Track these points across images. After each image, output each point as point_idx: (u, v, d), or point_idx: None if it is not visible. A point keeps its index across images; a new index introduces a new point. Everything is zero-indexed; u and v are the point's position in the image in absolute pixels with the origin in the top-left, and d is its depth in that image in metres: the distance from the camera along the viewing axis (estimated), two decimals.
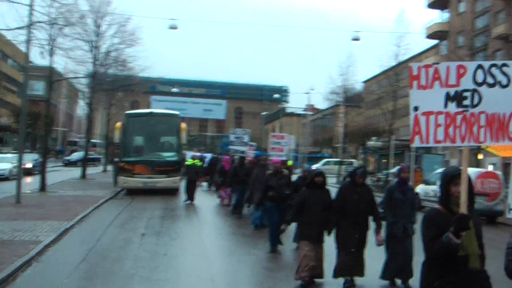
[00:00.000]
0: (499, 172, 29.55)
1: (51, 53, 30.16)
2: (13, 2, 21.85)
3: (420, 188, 30.87)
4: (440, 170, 29.94)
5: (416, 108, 5.96)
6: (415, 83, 6.02)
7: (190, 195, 27.28)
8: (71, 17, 29.73)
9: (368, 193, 11.13)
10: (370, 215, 11.07)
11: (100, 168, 57.25)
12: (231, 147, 32.31)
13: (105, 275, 11.75)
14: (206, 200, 29.00)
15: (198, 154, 37.32)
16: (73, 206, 22.60)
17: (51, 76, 30.96)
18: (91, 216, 21.07)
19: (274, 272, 12.72)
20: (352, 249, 10.71)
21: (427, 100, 5.93)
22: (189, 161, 29.26)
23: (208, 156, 39.63)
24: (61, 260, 13.05)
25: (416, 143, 5.89)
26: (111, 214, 21.72)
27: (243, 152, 30.27)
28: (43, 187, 29.36)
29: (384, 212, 11.65)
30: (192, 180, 27.68)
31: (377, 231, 11.09)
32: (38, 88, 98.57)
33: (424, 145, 5.85)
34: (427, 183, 30.70)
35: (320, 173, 11.41)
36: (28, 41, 24.52)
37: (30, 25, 23.98)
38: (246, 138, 32.30)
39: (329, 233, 11.04)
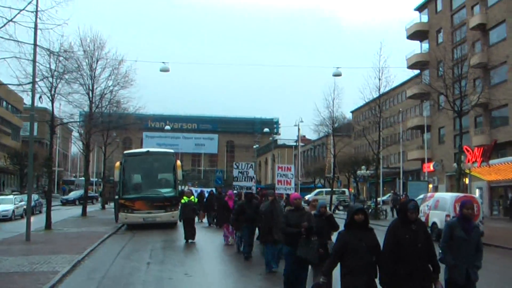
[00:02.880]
0: (476, 196, 31.48)
1: (52, 99, 31.87)
2: (18, 58, 23.74)
3: None
4: (422, 196, 31.96)
5: None
6: None
7: (190, 234, 25.91)
8: (69, 64, 31.48)
9: (425, 231, 9.09)
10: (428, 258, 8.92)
11: (98, 206, 58.97)
12: (235, 183, 29.82)
13: None
14: (208, 238, 28.59)
15: (197, 189, 37.05)
16: (80, 241, 24.41)
17: (52, 121, 32.70)
18: (98, 249, 22.87)
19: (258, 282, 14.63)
20: None
21: None
22: (184, 199, 27.04)
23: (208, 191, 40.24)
24: (80, 287, 14.85)
25: None
26: (116, 247, 23.56)
27: (249, 187, 28.70)
28: (48, 225, 30.97)
29: (442, 253, 9.88)
30: (189, 219, 26.35)
31: (436, 277, 8.97)
32: None
33: None
34: None
35: (361, 210, 9.16)
36: (33, 94, 26.48)
37: (34, 81, 25.88)
38: (251, 172, 30.01)
39: (384, 287, 8.96)
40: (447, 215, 27.32)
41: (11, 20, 18.96)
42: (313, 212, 13.67)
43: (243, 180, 29.63)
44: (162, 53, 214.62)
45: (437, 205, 28.55)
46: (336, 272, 9.05)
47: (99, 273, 16.81)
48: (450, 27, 64.85)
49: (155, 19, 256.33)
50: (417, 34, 73.99)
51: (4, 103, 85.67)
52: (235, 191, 27.68)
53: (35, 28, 23.83)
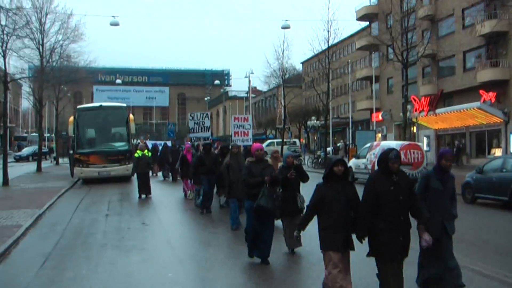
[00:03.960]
0: (420, 143, 32.80)
1: (4, 55, 31.99)
2: None
3: (352, 162, 34.00)
4: (368, 144, 33.17)
5: None
6: None
7: (145, 189, 25.49)
8: (19, 18, 31.59)
9: (407, 181, 8.44)
10: (411, 209, 8.41)
11: (50, 162, 59.25)
12: (191, 135, 28.80)
13: (82, 245, 14.41)
14: (164, 192, 28.84)
15: (151, 142, 36.48)
16: (39, 197, 24.96)
17: (5, 77, 32.82)
18: (57, 204, 23.54)
19: (218, 235, 15.69)
20: (397, 257, 8.21)
21: None
22: (138, 152, 26.22)
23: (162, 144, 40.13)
24: (43, 238, 15.65)
25: None
26: (74, 201, 24.25)
27: (207, 138, 27.49)
28: (6, 181, 31.37)
29: None
30: (145, 173, 25.88)
31: (422, 227, 8.75)
32: None
33: None
34: (357, 157, 33.70)
35: (340, 161, 8.66)
36: None
37: None
38: (207, 122, 28.70)
39: (361, 241, 8.53)
40: None
41: None
42: (280, 164, 13.46)
43: (200, 131, 28.48)
44: (111, 7, 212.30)
45: None
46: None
47: (61, 225, 17.55)
48: None
49: None
50: None
51: None
52: (189, 143, 27.37)
53: None
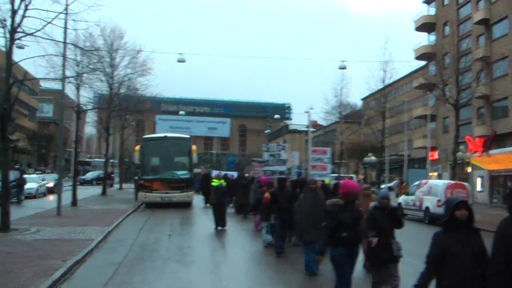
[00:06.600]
0: (466, 183, 33.98)
1: (78, 88, 34.64)
2: (54, 55, 26.83)
3: (402, 199, 35.52)
4: (417, 182, 34.57)
5: None
6: None
7: (221, 220, 24.31)
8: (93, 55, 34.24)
9: None
10: None
11: (116, 186, 62.01)
12: (266, 168, 25.44)
13: (148, 258, 16.38)
14: (230, 222, 26.40)
15: (223, 172, 34.15)
16: (106, 217, 27.24)
17: (78, 108, 35.42)
18: (123, 223, 25.77)
19: (268, 256, 17.40)
20: None
21: None
22: (215, 181, 25.25)
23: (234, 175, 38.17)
24: (114, 251, 17.73)
25: None
26: (139, 222, 26.46)
27: (282, 172, 24.69)
28: (74, 202, 33.85)
29: None
30: (221, 203, 24.56)
31: None
32: (47, 110, 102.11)
33: None
34: (407, 194, 35.12)
35: (463, 203, 6.78)
36: (63, 86, 29.35)
37: (65, 77, 28.73)
38: (283, 155, 25.67)
39: None
40: (439, 200, 29.79)
41: (50, 23, 21.59)
42: (372, 203, 11.84)
43: (275, 163, 25.07)
44: (178, 43, 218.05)
45: (430, 191, 31.15)
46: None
47: (128, 242, 19.67)
48: (456, 21, 66.85)
49: (171, 11, 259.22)
50: (425, 26, 75.72)
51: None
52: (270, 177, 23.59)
53: (65, 28, 26.55)
